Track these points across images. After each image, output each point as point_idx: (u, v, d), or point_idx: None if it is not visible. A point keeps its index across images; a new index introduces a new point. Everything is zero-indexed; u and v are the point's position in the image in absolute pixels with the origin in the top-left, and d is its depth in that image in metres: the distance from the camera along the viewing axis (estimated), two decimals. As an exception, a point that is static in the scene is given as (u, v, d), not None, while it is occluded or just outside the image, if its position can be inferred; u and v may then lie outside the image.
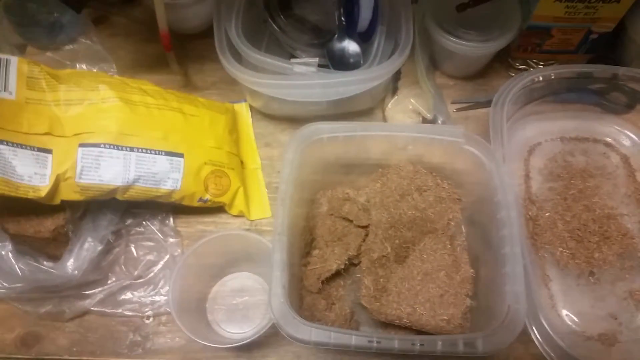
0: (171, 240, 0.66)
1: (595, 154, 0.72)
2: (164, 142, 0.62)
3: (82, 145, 0.58)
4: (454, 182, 0.65)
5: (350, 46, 0.72)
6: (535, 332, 0.54)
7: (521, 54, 0.79)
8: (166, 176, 0.62)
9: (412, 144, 0.63)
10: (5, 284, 0.57)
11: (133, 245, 0.66)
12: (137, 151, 0.60)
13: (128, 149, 0.60)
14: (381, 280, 0.59)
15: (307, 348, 0.61)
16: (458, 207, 0.64)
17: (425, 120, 0.73)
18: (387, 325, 0.59)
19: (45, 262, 0.59)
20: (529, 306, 0.52)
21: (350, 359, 0.60)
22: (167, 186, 0.62)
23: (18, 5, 0.75)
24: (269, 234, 0.66)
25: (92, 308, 0.62)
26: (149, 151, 0.61)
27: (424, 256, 0.59)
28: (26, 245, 0.59)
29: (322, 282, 0.60)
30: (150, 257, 0.66)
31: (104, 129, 0.59)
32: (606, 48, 0.77)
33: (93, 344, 0.62)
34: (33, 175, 0.56)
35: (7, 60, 0.57)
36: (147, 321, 0.63)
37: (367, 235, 0.63)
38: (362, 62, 0.72)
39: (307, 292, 0.61)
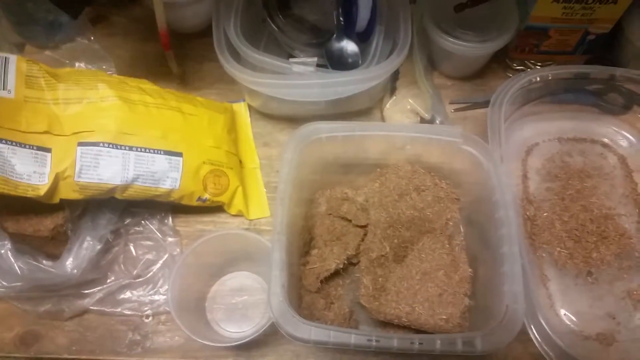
0: (170, 239, 0.66)
1: (593, 154, 0.72)
2: (163, 141, 0.62)
3: (81, 144, 0.58)
4: (452, 182, 0.65)
5: (349, 46, 0.73)
6: (534, 331, 0.54)
7: (519, 55, 0.79)
8: (165, 175, 0.62)
9: (411, 143, 0.63)
10: (4, 283, 0.57)
11: (132, 244, 0.66)
12: (136, 150, 0.60)
13: (127, 148, 0.60)
14: (380, 279, 0.59)
15: (306, 347, 0.61)
16: (456, 206, 0.64)
17: (423, 120, 0.73)
18: (386, 324, 0.59)
19: (44, 261, 0.58)
20: (528, 306, 0.52)
21: (349, 358, 0.61)
22: (166, 185, 0.62)
23: (17, 4, 0.75)
24: (268, 234, 0.66)
25: (91, 307, 0.62)
26: (147, 150, 0.61)
27: (423, 256, 0.60)
28: (25, 244, 0.59)
29: (321, 282, 0.61)
30: (149, 256, 0.66)
31: (103, 127, 0.59)
32: (603, 49, 0.77)
33: (92, 343, 0.62)
34: (32, 174, 0.56)
35: (6, 58, 0.57)
36: (146, 320, 0.63)
37: (365, 234, 0.63)
38: (360, 62, 0.72)
39: (306, 291, 0.61)
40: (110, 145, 0.59)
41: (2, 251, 0.56)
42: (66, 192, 0.58)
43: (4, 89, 0.56)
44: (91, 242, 0.60)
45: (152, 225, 0.67)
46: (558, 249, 0.64)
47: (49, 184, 0.56)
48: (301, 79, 0.66)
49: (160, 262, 0.65)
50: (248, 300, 0.64)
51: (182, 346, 0.61)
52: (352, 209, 0.64)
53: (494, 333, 0.49)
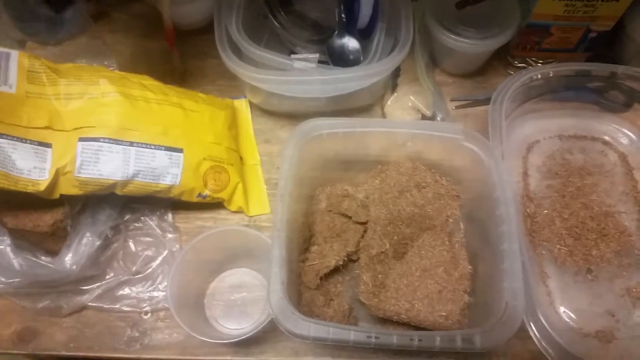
0: (170, 235, 0.66)
1: (593, 152, 0.72)
2: (164, 137, 0.62)
3: (81, 139, 0.58)
4: (452, 179, 0.65)
5: (350, 43, 0.73)
6: (533, 328, 0.54)
7: (520, 52, 0.79)
8: (165, 171, 0.62)
9: (411, 140, 0.63)
10: (2, 279, 0.57)
11: (131, 240, 0.66)
12: (137, 146, 0.60)
13: (127, 143, 0.60)
14: (380, 276, 0.59)
15: (305, 344, 0.61)
16: (456, 203, 0.64)
17: (424, 117, 0.73)
18: (386, 321, 0.59)
19: (43, 257, 0.58)
20: (527, 303, 0.52)
21: (348, 354, 0.60)
22: (166, 181, 0.62)
23: (18, 0, 0.75)
24: (268, 230, 0.66)
25: (90, 303, 0.62)
26: (148, 146, 0.61)
27: (423, 252, 0.59)
28: (24, 240, 0.59)
29: (321, 278, 0.60)
30: (148, 252, 0.65)
31: (103, 123, 0.59)
32: (605, 46, 0.77)
33: (91, 339, 0.62)
34: (32, 169, 0.56)
35: (7, 53, 0.57)
36: (145, 317, 0.63)
37: (365, 231, 0.63)
38: (361, 58, 0.72)
39: (306, 288, 0.61)
40: (111, 141, 0.59)
41: (1, 247, 0.56)
42: (66, 188, 0.58)
43: (5, 84, 0.56)
44: (90, 238, 0.60)
45: (152, 222, 0.67)
46: (558, 246, 0.64)
47: (49, 179, 0.56)
48: (302, 76, 0.66)
49: (160, 258, 0.65)
50: (247, 296, 0.64)
51: (181, 343, 0.61)
52: (352, 205, 0.64)
53: (493, 330, 0.49)
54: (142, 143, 0.61)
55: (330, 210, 0.65)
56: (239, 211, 0.69)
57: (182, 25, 0.80)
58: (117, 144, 0.59)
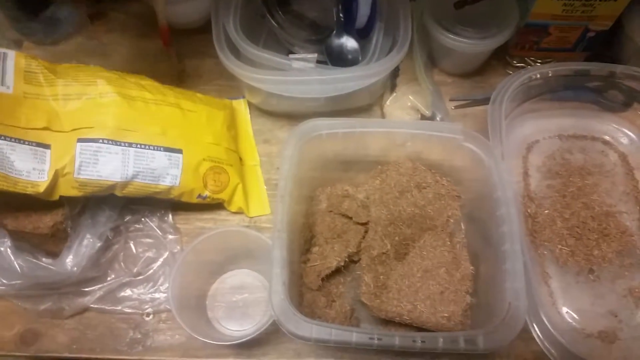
0: (170, 237, 0.66)
1: (593, 151, 0.72)
2: (163, 137, 0.62)
3: (80, 140, 0.58)
4: (452, 179, 0.65)
5: (349, 42, 0.73)
6: (536, 329, 0.54)
7: (519, 52, 0.79)
8: (165, 172, 0.62)
9: (411, 140, 0.63)
10: (4, 281, 0.57)
11: (132, 242, 0.66)
12: (136, 147, 0.60)
13: (126, 144, 0.60)
14: (381, 277, 0.59)
15: (307, 345, 0.61)
16: (457, 204, 0.64)
17: (423, 117, 0.73)
18: (388, 322, 0.59)
19: (44, 259, 0.58)
20: (529, 303, 0.52)
21: (350, 356, 0.60)
22: (166, 182, 0.62)
23: (15, 0, 0.75)
24: (268, 231, 0.66)
25: (92, 305, 0.62)
26: (147, 147, 0.61)
27: (424, 253, 0.59)
28: (25, 242, 0.58)
29: (322, 279, 0.60)
30: (149, 253, 0.65)
31: (102, 124, 0.59)
32: (603, 46, 0.77)
33: (93, 341, 0.61)
34: (31, 170, 0.55)
35: (4, 54, 0.56)
36: (146, 318, 0.62)
37: (366, 232, 0.63)
38: (360, 58, 0.72)
39: (307, 289, 0.61)
40: (110, 142, 0.59)
41: (2, 249, 0.55)
42: (66, 189, 0.58)
43: (2, 85, 0.56)
44: (91, 240, 0.60)
45: (152, 223, 0.67)
46: (559, 246, 0.64)
47: (49, 180, 0.56)
48: (301, 76, 0.66)
49: (161, 259, 0.65)
50: (249, 298, 0.64)
51: (182, 344, 0.61)
52: (352, 206, 0.64)
53: (496, 331, 0.49)
54: (141, 144, 0.60)
55: (330, 211, 0.64)
56: (239, 212, 0.69)
57: (179, 25, 0.80)
58: (116, 145, 0.59)
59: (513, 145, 0.72)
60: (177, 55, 0.76)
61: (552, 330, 0.53)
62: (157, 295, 0.63)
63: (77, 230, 0.60)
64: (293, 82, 0.67)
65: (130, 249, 0.66)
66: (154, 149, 0.61)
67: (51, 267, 0.57)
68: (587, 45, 0.77)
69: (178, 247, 0.66)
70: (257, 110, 0.77)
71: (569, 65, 0.68)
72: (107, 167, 0.58)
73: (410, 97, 0.74)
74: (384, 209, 0.62)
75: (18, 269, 0.55)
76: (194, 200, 0.65)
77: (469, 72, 0.80)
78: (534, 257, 0.64)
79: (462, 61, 0.78)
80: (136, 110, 0.61)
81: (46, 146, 0.56)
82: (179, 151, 0.63)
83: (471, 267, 0.59)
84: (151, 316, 0.63)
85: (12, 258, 0.55)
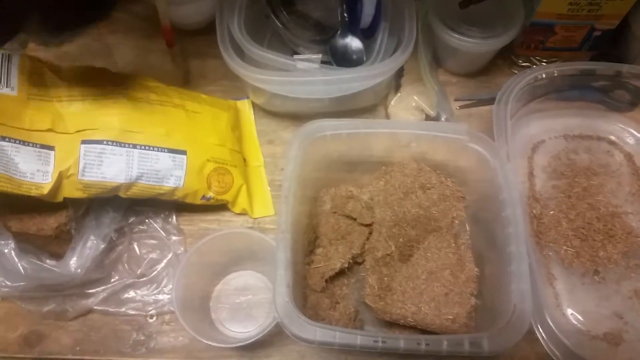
0: (174, 238, 0.66)
1: (599, 152, 0.72)
2: (167, 139, 0.62)
3: (84, 142, 0.58)
4: (457, 180, 0.65)
5: (353, 43, 0.72)
6: (541, 330, 0.53)
7: (524, 51, 0.79)
8: (169, 173, 0.62)
9: (416, 141, 0.63)
10: (8, 283, 0.57)
11: (136, 243, 0.66)
12: (140, 148, 0.60)
13: (131, 145, 0.60)
14: (385, 279, 0.59)
15: (311, 347, 0.61)
16: (462, 205, 0.63)
17: (428, 118, 0.73)
18: (392, 324, 0.59)
19: (48, 261, 0.58)
20: (534, 305, 0.51)
21: (354, 358, 0.60)
22: (170, 184, 0.62)
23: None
24: (272, 232, 0.66)
25: (95, 307, 0.62)
26: (151, 148, 0.61)
27: (429, 255, 0.59)
28: (29, 244, 0.59)
29: (326, 281, 0.60)
30: (153, 255, 0.65)
31: (106, 125, 0.59)
32: (609, 45, 0.77)
33: (96, 343, 0.61)
34: (35, 172, 0.55)
35: (8, 55, 0.57)
36: (150, 320, 0.62)
37: (370, 233, 0.62)
38: (364, 58, 0.72)
39: (311, 291, 0.60)
40: (114, 143, 0.59)
41: (6, 250, 0.55)
42: (70, 191, 0.58)
43: (7, 86, 0.56)
44: (95, 241, 0.60)
45: (156, 224, 0.67)
46: (564, 247, 0.63)
47: (53, 182, 0.56)
48: (305, 76, 0.66)
49: (165, 261, 0.65)
50: (252, 299, 0.64)
51: (186, 346, 0.61)
52: (357, 207, 0.63)
53: (501, 333, 0.49)
54: (145, 145, 0.60)
55: (334, 212, 0.64)
56: (243, 213, 0.69)
57: (183, 26, 0.80)
58: (120, 147, 0.59)
59: (518, 146, 0.71)
60: (181, 56, 0.76)
61: (557, 332, 0.53)
62: (160, 296, 0.63)
63: (81, 231, 0.60)
64: (297, 83, 0.67)
65: (134, 251, 0.66)
66: (158, 151, 0.61)
67: (55, 268, 0.58)
68: (593, 44, 0.76)
69: (182, 249, 0.66)
70: (261, 110, 0.77)
71: (575, 64, 0.68)
72: (111, 168, 0.58)
73: (415, 97, 0.74)
74: (389, 210, 0.62)
75: (22, 270, 0.56)
76: (198, 201, 0.65)
77: (474, 72, 0.80)
78: (539, 258, 0.64)
79: (467, 61, 0.78)
80: (141, 112, 0.61)
81: (50, 148, 0.56)
82: (183, 152, 0.62)
83: (476, 269, 0.59)
84: (155, 318, 0.63)
85: (16, 260, 0.56)
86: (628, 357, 0.59)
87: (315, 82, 0.66)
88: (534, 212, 0.66)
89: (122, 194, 0.61)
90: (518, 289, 0.51)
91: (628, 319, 0.61)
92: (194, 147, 0.63)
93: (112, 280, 0.63)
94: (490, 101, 0.67)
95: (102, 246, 0.61)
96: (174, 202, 0.65)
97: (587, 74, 0.68)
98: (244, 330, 0.62)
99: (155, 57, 0.80)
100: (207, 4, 0.76)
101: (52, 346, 0.61)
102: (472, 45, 0.71)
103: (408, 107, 0.74)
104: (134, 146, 0.60)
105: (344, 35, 0.72)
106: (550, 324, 0.53)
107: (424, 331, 0.57)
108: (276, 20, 0.72)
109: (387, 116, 0.75)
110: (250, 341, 0.55)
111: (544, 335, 0.53)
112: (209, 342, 0.55)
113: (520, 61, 0.80)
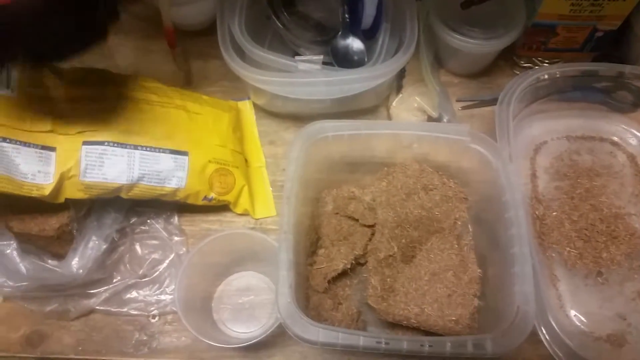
0: (176, 238, 0.66)
1: (602, 153, 0.71)
2: (168, 140, 0.62)
3: (85, 143, 0.58)
4: (460, 181, 0.65)
5: (354, 44, 0.72)
6: (544, 332, 0.53)
7: (526, 52, 0.79)
8: (171, 174, 0.62)
9: (418, 142, 0.63)
10: (10, 283, 0.57)
11: (138, 243, 0.66)
12: (141, 149, 0.60)
13: (132, 146, 0.60)
14: (388, 280, 0.58)
15: (314, 348, 0.61)
16: (464, 206, 0.63)
17: (430, 119, 0.73)
18: (395, 325, 0.59)
19: (50, 261, 0.58)
20: (538, 306, 0.51)
21: (357, 359, 0.60)
22: (171, 184, 0.62)
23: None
24: (274, 233, 0.66)
25: (98, 307, 0.62)
26: (153, 149, 0.61)
27: (431, 256, 0.59)
28: (31, 244, 0.59)
29: (329, 282, 0.60)
30: (155, 255, 0.65)
31: (107, 126, 0.59)
32: (611, 46, 0.77)
33: (98, 343, 0.62)
34: (37, 173, 0.55)
35: (10, 57, 0.57)
36: (152, 320, 0.62)
37: (373, 234, 0.62)
38: (366, 59, 0.72)
39: (314, 291, 0.60)
40: (115, 144, 0.59)
41: (8, 251, 0.55)
42: (71, 192, 0.58)
43: (7, 88, 0.56)
44: (97, 242, 0.60)
45: (158, 225, 0.66)
46: (567, 248, 0.63)
47: (54, 183, 0.56)
48: (307, 77, 0.66)
49: (167, 261, 0.65)
50: (254, 300, 0.64)
51: (188, 346, 0.61)
52: (359, 208, 0.63)
53: (504, 335, 0.49)
54: (146, 146, 0.60)
55: (336, 213, 0.64)
56: (244, 214, 0.69)
57: (184, 26, 0.80)
58: (122, 148, 0.59)
59: (521, 147, 0.71)
60: (182, 57, 0.76)
61: (560, 333, 0.53)
62: (162, 297, 0.63)
63: (83, 232, 0.60)
64: (299, 84, 0.66)
65: (136, 251, 0.66)
66: (159, 152, 0.61)
67: (57, 269, 0.58)
68: (595, 45, 0.76)
69: (184, 249, 0.66)
70: (262, 111, 0.76)
71: (577, 65, 0.68)
72: (112, 169, 0.58)
73: (416, 98, 0.74)
74: (391, 211, 0.62)
75: (24, 271, 0.56)
76: (200, 202, 0.65)
77: (476, 73, 0.80)
78: (542, 259, 0.64)
79: (468, 62, 0.78)
80: (142, 113, 0.61)
81: (51, 149, 0.57)
82: (185, 153, 0.62)
83: (479, 270, 0.59)
84: (157, 318, 0.63)
85: (18, 260, 0.56)
86: (631, 359, 0.59)
87: (316, 83, 0.66)
88: (537, 213, 0.66)
89: (123, 195, 0.60)
90: (521, 290, 0.51)
91: (631, 321, 0.61)
92: (195, 148, 0.63)
93: (114, 280, 0.63)
94: (493, 102, 0.67)
95: (104, 247, 0.60)
96: (175, 202, 0.65)
97: (589, 75, 0.68)
98: (246, 330, 0.62)
99: (157, 58, 0.80)
100: (208, 5, 0.76)
101: (54, 346, 0.61)
102: (473, 46, 0.71)
103: (410, 108, 0.74)
104: (135, 147, 0.60)
105: (345, 36, 0.72)
106: (554, 325, 0.53)
107: (427, 332, 0.57)
108: (277, 21, 0.73)
109: (389, 117, 0.75)
110: (252, 342, 0.55)
111: (547, 336, 0.53)
112: (211, 343, 0.55)
113: (522, 62, 0.80)
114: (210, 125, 0.67)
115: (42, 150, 0.56)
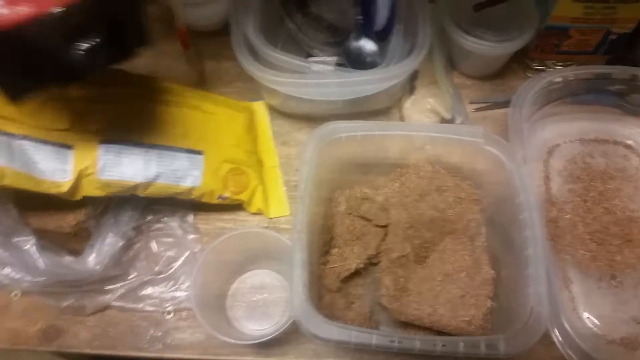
0: (191, 236, 0.66)
1: (615, 156, 0.71)
2: (184, 139, 0.63)
3: (103, 142, 0.58)
4: (473, 183, 0.65)
5: (367, 45, 0.73)
6: (557, 334, 0.53)
7: (539, 55, 0.79)
8: (186, 173, 0.62)
9: (431, 143, 0.63)
10: (29, 277, 0.57)
11: (153, 241, 0.66)
12: (158, 148, 0.61)
13: (148, 146, 0.60)
14: (401, 280, 0.59)
15: (326, 346, 0.61)
16: (478, 207, 0.63)
17: (443, 120, 0.73)
18: (407, 325, 0.59)
19: (67, 257, 0.59)
20: (551, 308, 0.51)
21: (369, 358, 0.60)
22: (187, 183, 0.62)
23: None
24: (287, 232, 0.66)
25: (113, 303, 0.63)
26: (169, 148, 0.61)
27: (444, 257, 0.59)
28: (48, 240, 0.59)
29: (342, 281, 0.60)
30: (170, 253, 0.66)
31: (124, 125, 0.60)
32: (625, 49, 0.76)
33: (114, 338, 0.62)
34: (55, 170, 0.56)
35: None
36: (167, 316, 0.63)
37: (386, 234, 0.62)
38: (379, 61, 0.72)
39: (327, 290, 0.61)
40: (132, 143, 0.59)
41: (27, 246, 0.56)
42: (88, 190, 0.58)
43: (27, 87, 0.56)
44: (113, 239, 0.60)
45: (173, 223, 0.67)
46: (581, 251, 0.63)
47: (72, 181, 0.56)
48: (320, 78, 0.66)
49: (182, 259, 0.65)
50: (268, 297, 0.64)
51: (202, 343, 0.62)
52: (372, 208, 0.64)
53: (517, 336, 0.49)
54: (162, 145, 0.61)
55: (349, 213, 0.64)
56: (258, 213, 0.69)
57: (198, 27, 0.80)
58: (139, 147, 0.60)
59: (534, 149, 0.71)
60: (196, 58, 0.76)
61: (573, 335, 0.53)
62: (177, 293, 0.64)
63: (100, 229, 0.61)
64: (312, 85, 0.67)
65: (152, 248, 0.66)
66: (175, 151, 0.62)
67: (74, 265, 0.58)
68: (608, 48, 0.76)
69: (198, 247, 0.66)
70: (275, 112, 0.77)
71: (591, 68, 0.68)
72: (129, 168, 0.59)
73: (429, 99, 0.74)
74: (404, 212, 0.62)
75: (42, 266, 0.56)
76: (215, 201, 0.65)
77: (489, 75, 0.80)
78: (556, 261, 0.64)
79: (481, 64, 0.78)
80: (158, 113, 0.62)
81: (69, 147, 0.57)
82: (200, 153, 0.63)
83: (492, 272, 0.59)
84: (171, 314, 0.63)
85: (37, 256, 0.56)
86: (646, 363, 0.59)
87: (329, 84, 0.66)
88: (550, 215, 0.66)
89: (140, 193, 0.61)
90: (535, 292, 0.51)
91: (646, 325, 0.61)
92: (210, 148, 0.64)
93: (130, 277, 0.64)
94: (505, 104, 0.67)
95: (120, 244, 0.61)
96: (190, 201, 0.65)
97: (602, 77, 0.68)
98: (259, 328, 0.63)
99: (170, 59, 0.80)
100: (221, 6, 0.77)
101: (70, 340, 0.62)
102: (486, 48, 0.71)
103: (423, 109, 0.74)
104: (152, 146, 0.60)
105: (358, 38, 0.72)
106: (567, 327, 0.53)
107: (439, 332, 0.57)
108: (290, 23, 0.73)
109: (402, 118, 0.75)
110: (266, 339, 0.56)
111: (560, 338, 0.53)
112: (226, 339, 0.55)
113: (534, 64, 0.80)
114: (225, 125, 0.67)
115: (60, 148, 0.56)
